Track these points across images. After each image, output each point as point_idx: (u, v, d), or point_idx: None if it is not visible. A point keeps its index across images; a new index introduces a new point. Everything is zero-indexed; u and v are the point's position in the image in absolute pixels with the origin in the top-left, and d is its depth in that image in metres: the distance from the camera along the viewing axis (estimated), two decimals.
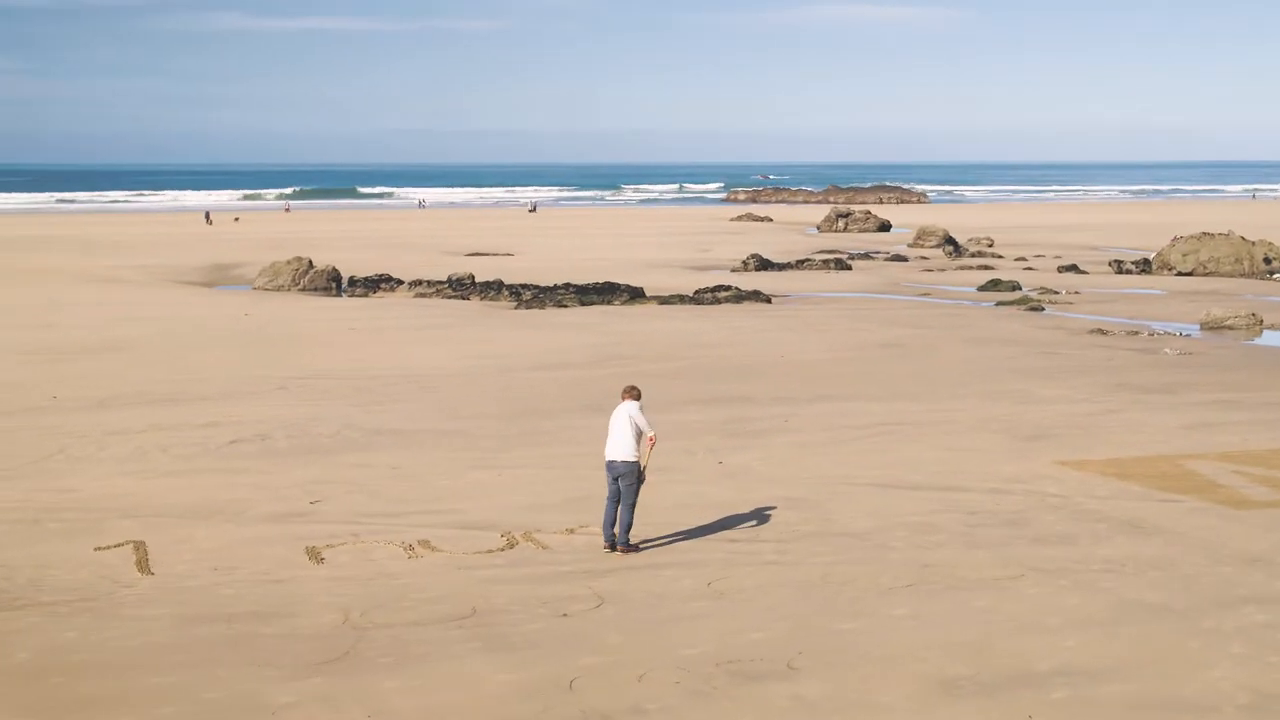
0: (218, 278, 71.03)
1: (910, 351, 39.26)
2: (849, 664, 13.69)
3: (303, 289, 64.28)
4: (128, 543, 18.83)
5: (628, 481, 18.26)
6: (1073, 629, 14.72)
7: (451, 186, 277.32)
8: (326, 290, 64.04)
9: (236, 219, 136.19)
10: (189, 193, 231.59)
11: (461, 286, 61.60)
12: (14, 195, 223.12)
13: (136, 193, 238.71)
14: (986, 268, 71.59)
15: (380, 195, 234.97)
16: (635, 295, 56.97)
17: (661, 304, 54.99)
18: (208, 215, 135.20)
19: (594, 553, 18.18)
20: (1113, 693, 12.88)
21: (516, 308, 54.91)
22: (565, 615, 15.43)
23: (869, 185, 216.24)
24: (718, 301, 55.42)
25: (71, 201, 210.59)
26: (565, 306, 54.81)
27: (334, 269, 66.17)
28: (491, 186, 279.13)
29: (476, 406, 30.48)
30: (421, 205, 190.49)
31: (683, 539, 18.86)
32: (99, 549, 18.56)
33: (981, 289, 60.24)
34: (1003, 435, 26.17)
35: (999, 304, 54.19)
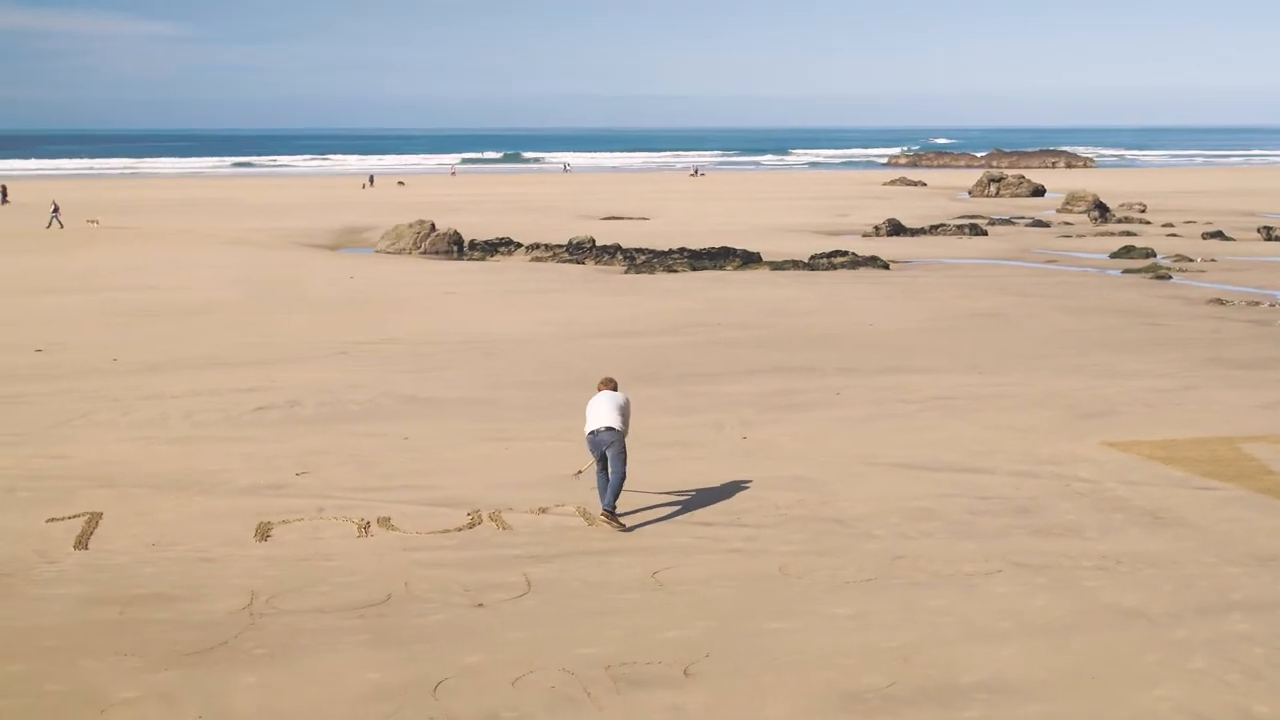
0: (346, 241, 71.11)
1: (1006, 321, 37.38)
2: (753, 671, 12.32)
3: (424, 252, 64.01)
4: (83, 515, 18.07)
5: (615, 450, 17.43)
6: (1022, 636, 13.16)
7: (620, 151, 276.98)
8: (448, 253, 63.57)
9: (401, 183, 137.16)
10: (364, 157, 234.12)
11: (579, 250, 60.73)
12: (190, 160, 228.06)
13: (314, 157, 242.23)
14: (1129, 234, 68.68)
15: (535, 160, 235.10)
16: (749, 260, 55.56)
17: (774, 269, 53.50)
18: (370, 179, 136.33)
19: (554, 534, 17.01)
20: (1030, 713, 11.35)
21: (626, 272, 53.87)
22: (481, 605, 14.27)
23: (1034, 150, 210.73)
24: (833, 267, 53.77)
25: (247, 165, 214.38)
26: (675, 271, 53.62)
27: (455, 232, 65.70)
28: (660, 151, 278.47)
29: (526, 374, 29.46)
30: (566, 169, 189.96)
31: (656, 521, 17.58)
32: (51, 520, 17.83)
33: (1113, 256, 57.77)
34: (1061, 412, 24.40)
35: (1125, 271, 51.76)
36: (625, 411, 17.74)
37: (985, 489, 18.96)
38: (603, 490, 17.58)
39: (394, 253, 64.70)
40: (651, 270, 53.94)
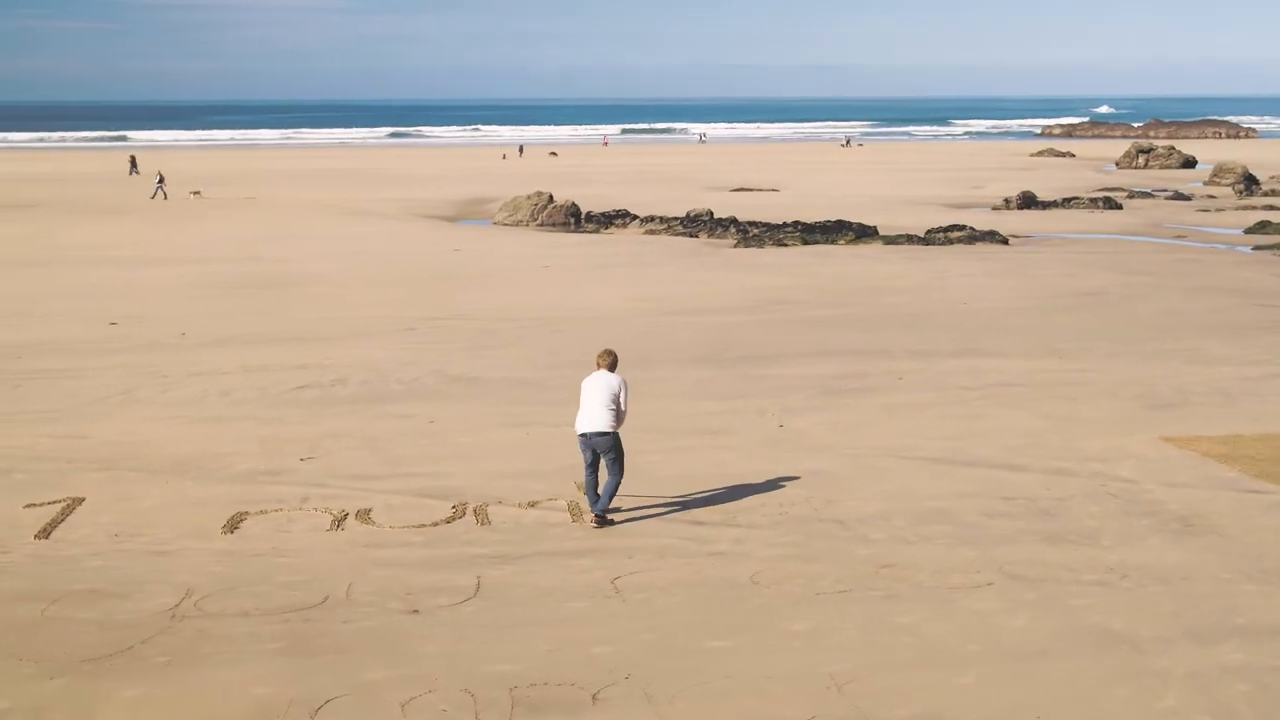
0: (468, 212, 70.77)
1: (1108, 301, 35.57)
2: (666, 697, 11.22)
3: (540, 224, 63.37)
4: (64, 500, 17.50)
5: (611, 456, 16.14)
6: (983, 662, 11.89)
7: (771, 121, 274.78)
8: (564, 225, 62.86)
9: (553, 154, 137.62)
10: (517, 128, 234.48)
11: (693, 223, 59.64)
12: (345, 130, 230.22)
13: (467, 127, 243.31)
14: (1272, 208, 65.66)
15: (680, 131, 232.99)
16: (863, 234, 54.03)
17: (887, 244, 51.92)
18: (520, 149, 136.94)
19: (531, 531, 16.04)
20: None
21: (735, 246, 52.67)
22: (415, 612, 13.34)
23: (1194, 120, 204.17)
24: (948, 242, 52.03)
25: (401, 135, 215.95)
26: (785, 245, 52.27)
27: (573, 204, 64.93)
28: (811, 121, 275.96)
29: (585, 353, 28.31)
30: (702, 140, 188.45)
31: (647, 518, 16.52)
32: (29, 506, 17.30)
33: (1248, 231, 55.28)
34: (1129, 402, 22.87)
35: (1255, 248, 49.32)
36: (618, 402, 16.35)
37: (1013, 488, 17.62)
38: (591, 494, 16.41)
39: (511, 224, 64.15)
40: (761, 244, 52.64)
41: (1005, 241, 52.11)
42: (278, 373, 26.54)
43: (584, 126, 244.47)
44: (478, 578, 14.33)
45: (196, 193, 75.98)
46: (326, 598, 13.75)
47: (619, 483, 16.31)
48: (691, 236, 57.12)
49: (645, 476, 18.27)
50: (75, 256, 48.55)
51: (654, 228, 59.98)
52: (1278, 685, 11.34)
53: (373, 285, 40.35)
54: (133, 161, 77.51)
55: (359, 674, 11.76)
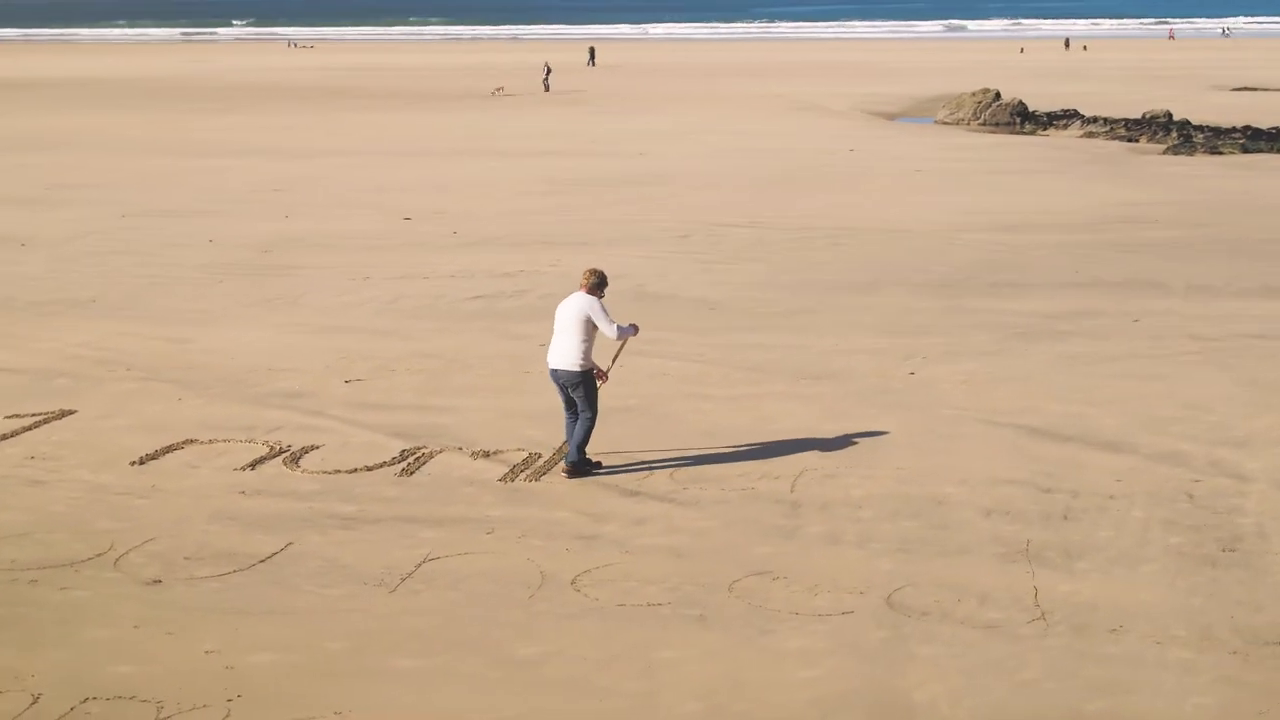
0: (918, 109, 67.98)
1: None
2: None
3: (983, 123, 59.85)
4: (49, 414, 16.53)
5: (580, 393, 14.14)
6: None
7: None
8: (1007, 125, 59.08)
9: (1084, 47, 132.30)
10: (1070, 21, 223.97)
11: (1137, 126, 54.55)
12: (899, 23, 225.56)
13: (1016, 21, 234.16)
14: None
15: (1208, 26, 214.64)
16: None
17: None
18: (1067, 42, 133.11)
19: (436, 489, 13.80)
20: None
21: (1164, 153, 47.40)
22: (157, 581, 11.47)
23: None
24: None
25: (962, 30, 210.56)
26: (1219, 154, 46.60)
27: (1019, 103, 60.80)
28: None
29: (832, 272, 25.58)
30: (1225, 34, 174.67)
31: (582, 483, 14.01)
32: (10, 417, 16.49)
33: None
34: None
35: None
36: (587, 331, 14.12)
37: (1076, 478, 13.91)
38: (570, 435, 14.43)
39: (951, 123, 60.71)
40: (1192, 152, 47.07)
41: None
42: (482, 279, 25.15)
43: (1139, 20, 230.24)
44: (288, 544, 12.32)
45: (500, 89, 75.13)
46: (101, 554, 12.06)
47: (589, 428, 14.24)
48: (1130, 141, 52.02)
49: (673, 426, 15.90)
50: (460, 148, 48.87)
51: (1094, 129, 55.12)
52: None
53: (714, 187, 38.15)
54: (591, 53, 77.79)
55: (20, 660, 10.04)
